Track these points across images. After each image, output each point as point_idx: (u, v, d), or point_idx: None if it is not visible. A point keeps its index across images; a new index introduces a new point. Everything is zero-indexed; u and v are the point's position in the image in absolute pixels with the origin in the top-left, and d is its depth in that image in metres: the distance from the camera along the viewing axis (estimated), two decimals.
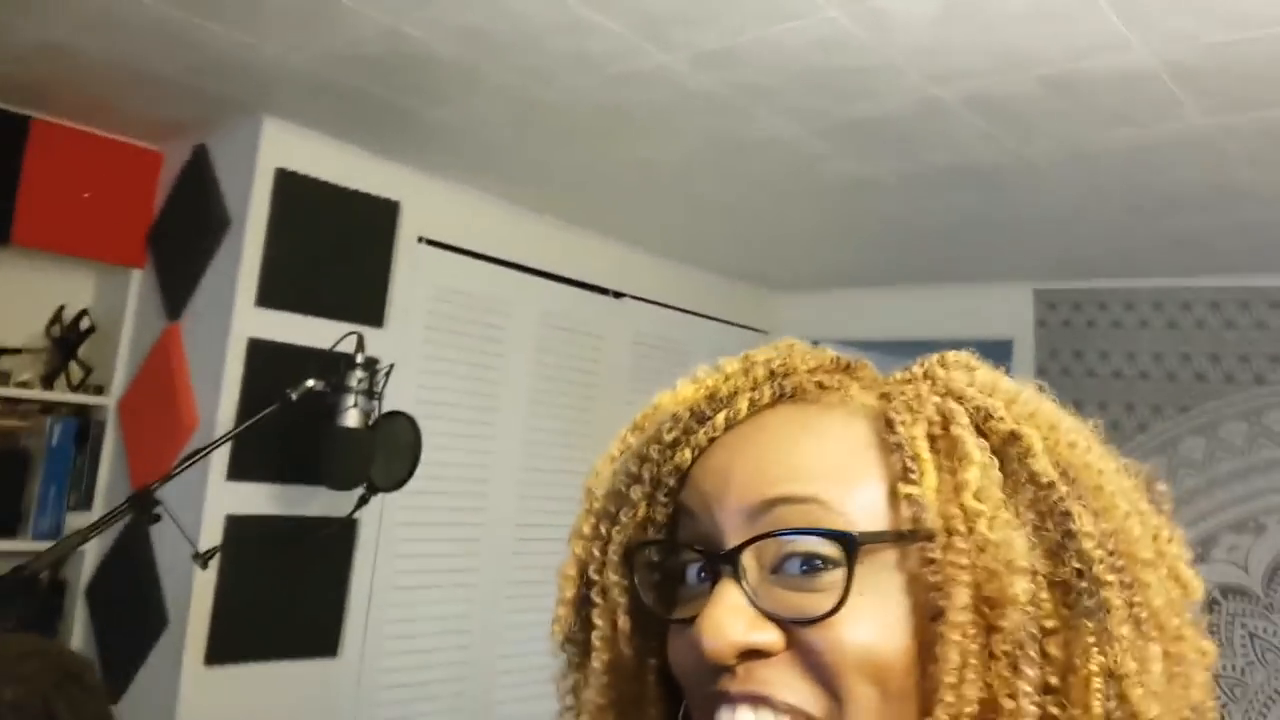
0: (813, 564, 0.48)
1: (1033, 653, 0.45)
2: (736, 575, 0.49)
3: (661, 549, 0.56)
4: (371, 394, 2.34)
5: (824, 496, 0.49)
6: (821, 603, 0.47)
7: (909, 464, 0.49)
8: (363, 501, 2.45)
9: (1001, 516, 0.47)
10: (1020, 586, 0.45)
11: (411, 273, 2.94)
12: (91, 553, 2.72)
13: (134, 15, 2.03)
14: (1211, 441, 3.36)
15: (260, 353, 2.57)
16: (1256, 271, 3.24)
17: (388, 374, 2.39)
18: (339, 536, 2.70)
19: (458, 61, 2.12)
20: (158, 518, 1.91)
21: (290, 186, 2.65)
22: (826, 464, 0.50)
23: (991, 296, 3.77)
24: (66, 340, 2.80)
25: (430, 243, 3.00)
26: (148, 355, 2.77)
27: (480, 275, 3.14)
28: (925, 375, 0.56)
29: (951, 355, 0.58)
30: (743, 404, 0.54)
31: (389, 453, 2.37)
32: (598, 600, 0.58)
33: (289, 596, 2.62)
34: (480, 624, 3.11)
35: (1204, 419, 3.38)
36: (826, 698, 0.46)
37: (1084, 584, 0.46)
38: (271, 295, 2.61)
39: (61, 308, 2.83)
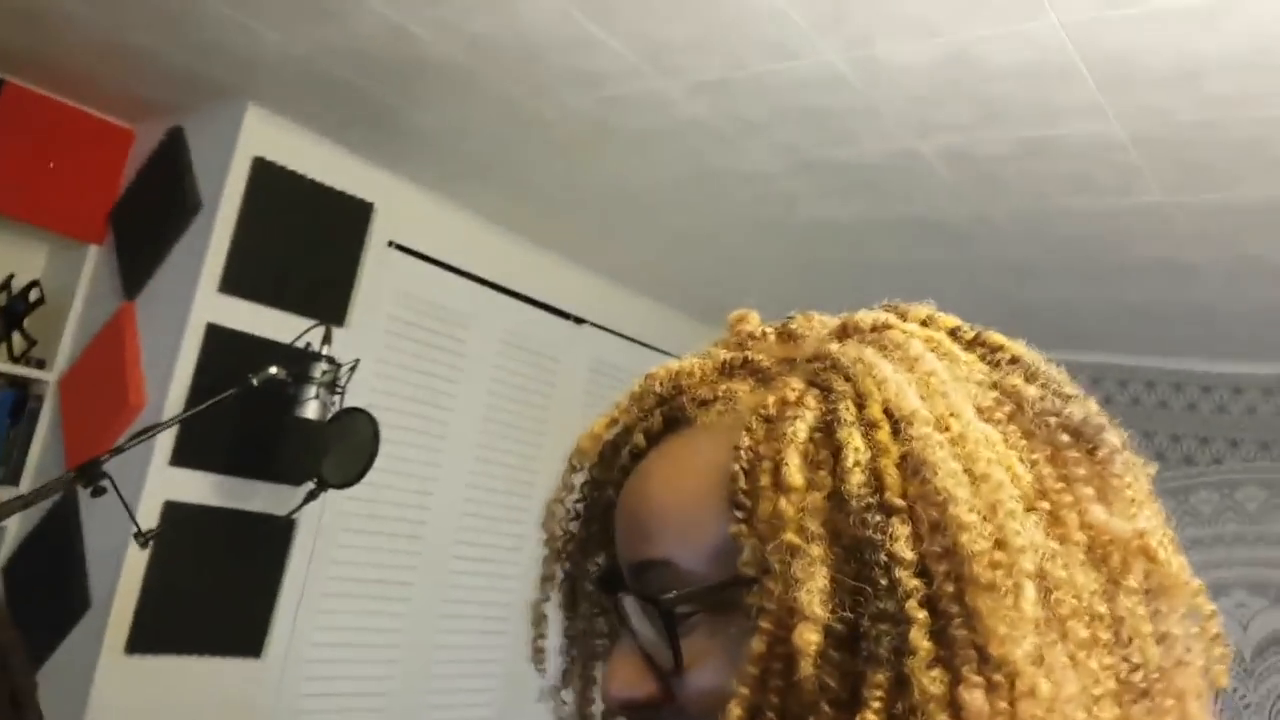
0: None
1: (825, 706, 0.41)
2: (629, 625, 0.50)
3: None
4: (333, 388, 2.31)
5: (675, 557, 0.48)
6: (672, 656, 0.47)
7: (739, 498, 0.45)
8: (310, 497, 2.40)
9: (814, 551, 0.42)
10: (806, 637, 0.41)
11: (378, 276, 2.92)
12: (13, 530, 2.62)
13: None
14: None
15: (217, 339, 2.53)
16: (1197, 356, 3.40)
17: (353, 369, 2.36)
18: (276, 536, 2.64)
19: (456, 66, 2.14)
20: (103, 490, 1.85)
21: (266, 177, 2.63)
22: (678, 514, 0.49)
23: None
24: (13, 310, 2.72)
25: (399, 248, 2.99)
26: (98, 332, 2.70)
27: (445, 286, 3.14)
28: (821, 355, 0.51)
29: (871, 318, 0.53)
30: (639, 437, 0.53)
31: (343, 449, 2.34)
32: (577, 635, 0.59)
33: (219, 591, 2.54)
34: (411, 640, 3.05)
35: None
36: None
37: (883, 626, 0.41)
38: (235, 283, 2.57)
39: (11, 276, 2.75)
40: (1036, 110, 1.90)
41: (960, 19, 1.67)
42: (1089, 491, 0.46)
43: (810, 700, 0.41)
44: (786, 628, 0.42)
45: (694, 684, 0.46)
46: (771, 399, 0.48)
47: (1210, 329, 3.06)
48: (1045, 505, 0.44)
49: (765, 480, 0.45)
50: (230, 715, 2.58)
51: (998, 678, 0.40)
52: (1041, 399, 0.48)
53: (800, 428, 0.46)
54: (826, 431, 0.46)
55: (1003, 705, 0.40)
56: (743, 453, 0.46)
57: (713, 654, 0.46)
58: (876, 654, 0.41)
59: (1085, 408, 0.49)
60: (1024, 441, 0.46)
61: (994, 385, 0.49)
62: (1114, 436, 0.49)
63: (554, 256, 3.51)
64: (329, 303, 2.77)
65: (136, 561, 2.35)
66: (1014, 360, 0.52)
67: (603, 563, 0.57)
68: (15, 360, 2.71)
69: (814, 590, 0.41)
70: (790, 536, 0.43)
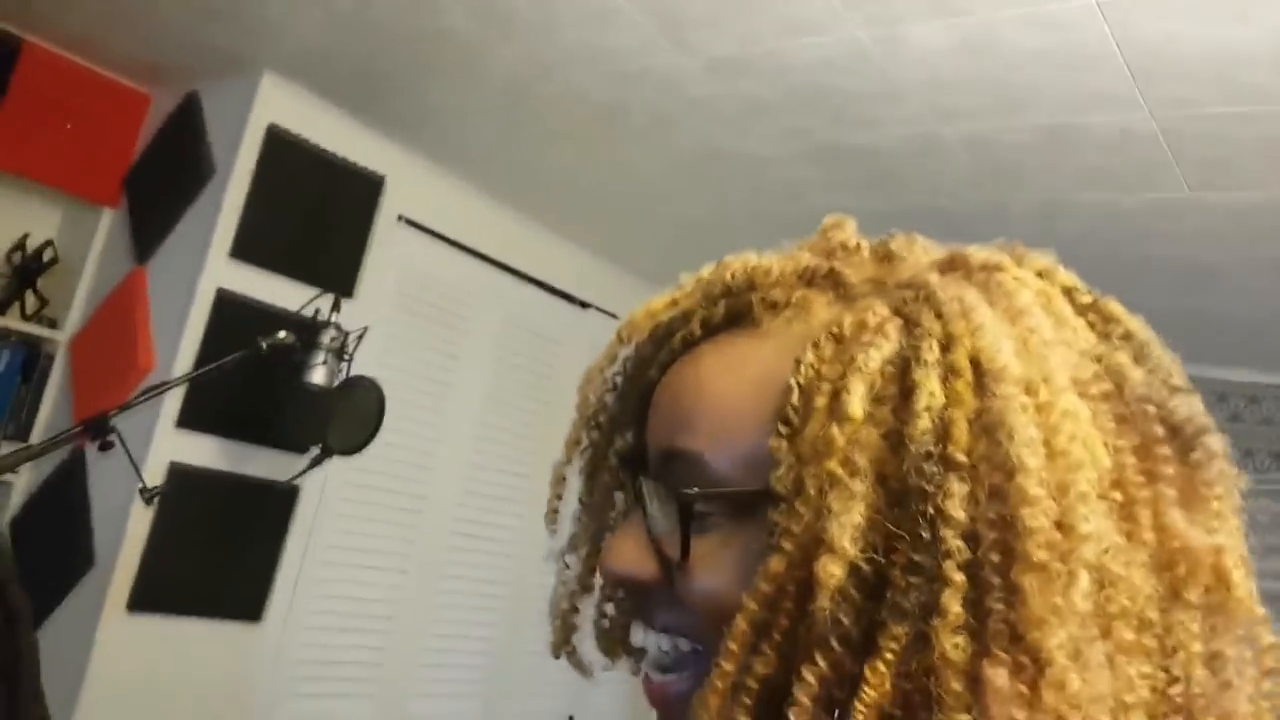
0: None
1: (834, 640, 0.40)
2: (643, 506, 0.50)
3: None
4: (341, 355, 2.31)
5: (707, 453, 0.47)
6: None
7: (788, 413, 0.44)
8: (315, 463, 2.40)
9: (855, 486, 0.41)
10: (829, 569, 0.40)
11: (387, 249, 2.92)
12: (21, 486, 2.63)
13: None
14: None
15: (226, 305, 2.53)
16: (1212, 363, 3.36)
17: (361, 337, 2.36)
18: (278, 502, 2.64)
19: (470, 39, 2.13)
20: (110, 444, 1.85)
21: (279, 146, 2.63)
22: (722, 413, 0.47)
23: None
24: (26, 269, 2.73)
25: (409, 223, 2.98)
26: (109, 295, 2.70)
27: (453, 263, 3.13)
28: (916, 284, 0.48)
29: (983, 256, 0.49)
30: (696, 325, 0.52)
31: (349, 417, 2.34)
32: (592, 505, 0.59)
33: (221, 555, 2.55)
34: (407, 612, 3.05)
35: None
36: (696, 634, 0.47)
37: (915, 579, 0.40)
38: (246, 250, 2.57)
39: (25, 236, 2.76)
40: (1061, 97, 1.87)
41: None
42: (1171, 493, 0.43)
43: (820, 633, 0.40)
44: (810, 555, 0.41)
45: (696, 581, 0.46)
46: (849, 319, 0.46)
47: (1228, 335, 3.02)
48: (1118, 496, 0.42)
49: (821, 402, 0.43)
50: (227, 677, 2.59)
51: (1025, 660, 0.38)
52: (1145, 384, 0.45)
53: (873, 356, 0.43)
54: (901, 367, 0.43)
55: (1026, 691, 0.38)
56: (804, 368, 0.45)
57: (722, 558, 0.45)
58: (901, 606, 0.40)
59: (1191, 405, 0.46)
60: (1114, 425, 0.43)
61: (1098, 359, 0.46)
62: (1215, 442, 0.45)
63: (561, 240, 3.50)
64: (338, 273, 2.76)
65: (141, 521, 2.36)
66: (1126, 336, 0.49)
67: (630, 439, 0.56)
68: (27, 319, 2.72)
69: (846, 524, 0.40)
70: (833, 465, 0.41)
